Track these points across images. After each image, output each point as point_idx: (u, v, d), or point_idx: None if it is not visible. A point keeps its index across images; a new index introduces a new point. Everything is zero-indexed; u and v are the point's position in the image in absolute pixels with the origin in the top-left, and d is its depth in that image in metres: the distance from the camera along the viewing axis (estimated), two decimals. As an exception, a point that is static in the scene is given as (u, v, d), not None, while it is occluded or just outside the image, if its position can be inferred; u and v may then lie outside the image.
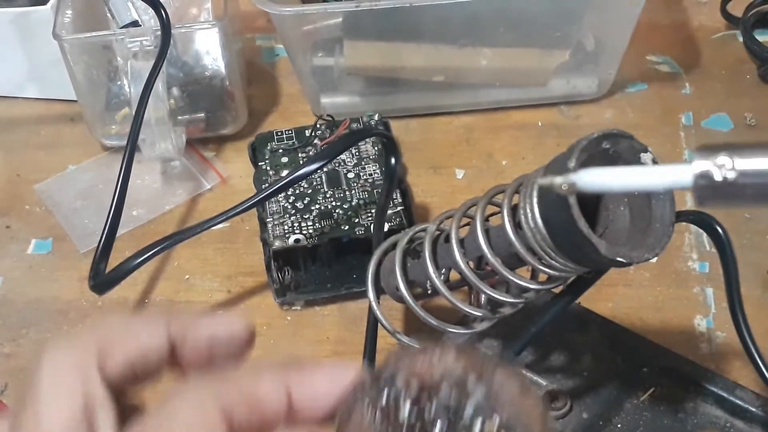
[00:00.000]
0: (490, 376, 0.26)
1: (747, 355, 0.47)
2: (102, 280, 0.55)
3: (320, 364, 0.26)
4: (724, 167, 0.20)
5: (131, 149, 0.59)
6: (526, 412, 0.25)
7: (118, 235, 0.58)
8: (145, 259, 0.54)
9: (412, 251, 0.47)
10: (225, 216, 0.55)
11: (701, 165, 0.20)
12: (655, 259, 0.37)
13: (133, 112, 0.60)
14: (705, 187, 0.20)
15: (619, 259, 0.36)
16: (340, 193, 0.60)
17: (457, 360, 0.26)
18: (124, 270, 0.54)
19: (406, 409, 0.25)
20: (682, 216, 0.45)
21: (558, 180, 0.21)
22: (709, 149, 0.20)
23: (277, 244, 0.56)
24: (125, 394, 0.27)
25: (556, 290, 0.44)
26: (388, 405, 0.25)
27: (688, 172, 0.20)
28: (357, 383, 0.26)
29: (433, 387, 0.25)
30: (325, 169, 0.60)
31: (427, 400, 0.25)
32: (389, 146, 0.57)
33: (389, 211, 0.57)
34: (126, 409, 0.27)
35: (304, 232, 0.57)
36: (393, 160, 0.56)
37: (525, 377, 0.26)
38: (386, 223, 0.56)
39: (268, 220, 0.58)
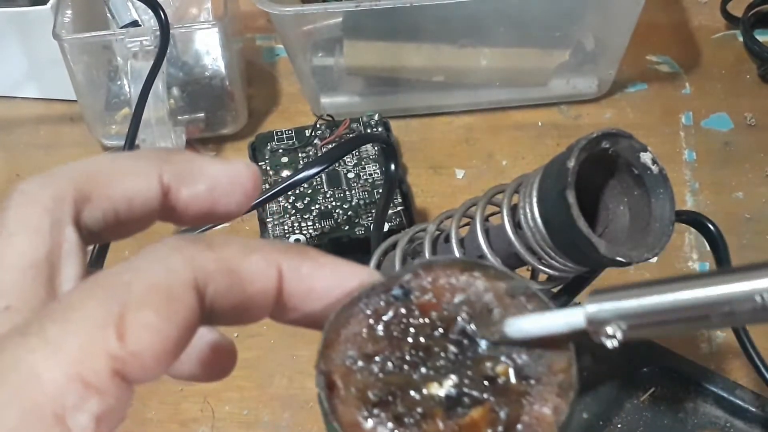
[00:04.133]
0: (519, 314, 0.22)
1: (746, 357, 0.47)
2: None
3: (327, 258, 0.23)
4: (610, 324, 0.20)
5: (130, 149, 0.59)
6: (550, 365, 0.22)
7: (117, 235, 0.58)
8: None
9: (412, 251, 0.47)
10: (225, 216, 0.54)
11: (592, 308, 0.20)
12: (655, 258, 0.37)
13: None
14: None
15: (618, 258, 0.36)
16: (340, 193, 0.59)
17: (487, 289, 0.23)
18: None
19: (414, 328, 0.22)
20: (675, 216, 0.45)
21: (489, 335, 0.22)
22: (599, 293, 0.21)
23: (277, 244, 0.56)
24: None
25: (554, 290, 0.44)
26: (394, 320, 0.22)
27: (580, 315, 0.20)
28: (362, 288, 0.22)
29: (450, 310, 0.22)
30: (325, 169, 0.60)
31: (440, 323, 0.22)
32: (388, 152, 0.56)
33: (389, 211, 0.57)
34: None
35: (304, 232, 0.57)
36: (393, 167, 0.56)
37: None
38: (386, 223, 0.56)
39: (268, 220, 0.58)
